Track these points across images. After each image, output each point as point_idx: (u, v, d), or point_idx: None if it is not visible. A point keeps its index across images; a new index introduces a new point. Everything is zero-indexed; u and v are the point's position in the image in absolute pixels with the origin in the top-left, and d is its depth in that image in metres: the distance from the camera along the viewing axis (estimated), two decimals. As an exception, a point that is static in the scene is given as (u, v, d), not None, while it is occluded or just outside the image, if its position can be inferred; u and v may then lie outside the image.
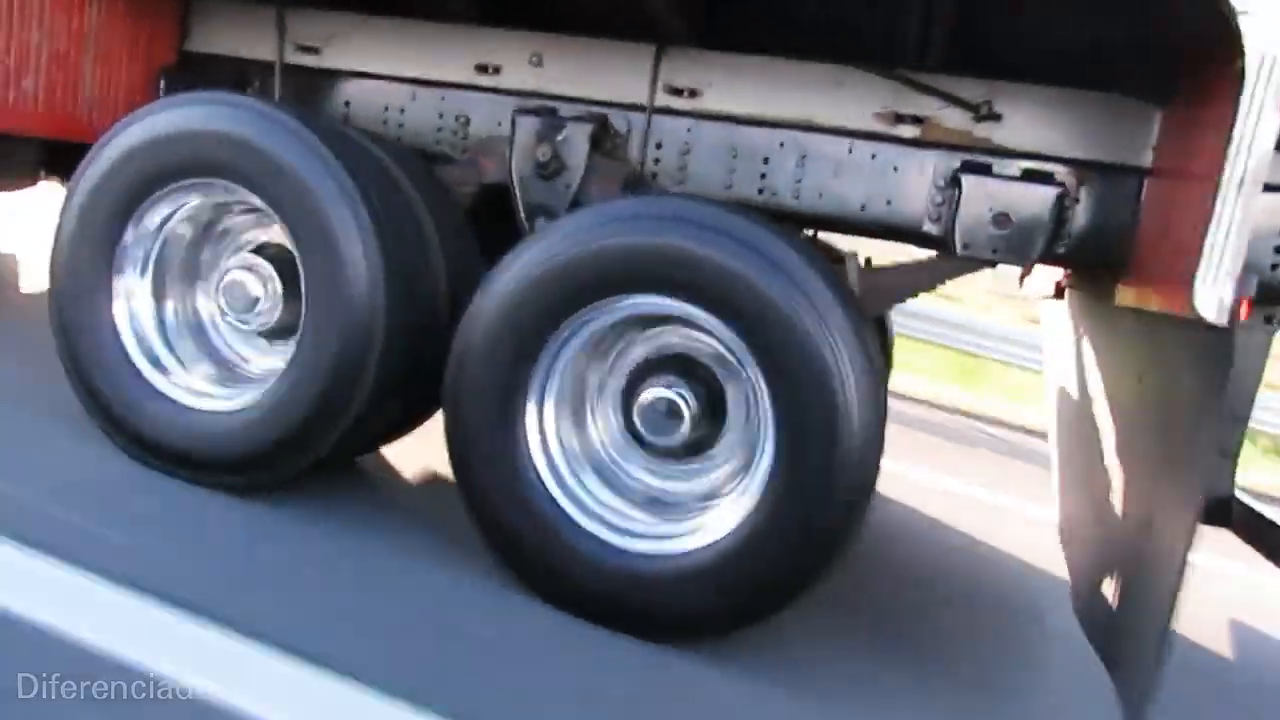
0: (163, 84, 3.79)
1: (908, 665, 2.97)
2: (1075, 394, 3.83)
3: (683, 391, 2.72)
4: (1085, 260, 3.05)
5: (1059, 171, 3.00)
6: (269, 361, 3.23)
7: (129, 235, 2.99)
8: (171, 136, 2.85)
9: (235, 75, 3.81)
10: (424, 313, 2.93)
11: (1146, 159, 2.98)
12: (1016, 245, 2.96)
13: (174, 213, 3.03)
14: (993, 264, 3.06)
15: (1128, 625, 2.18)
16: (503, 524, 2.65)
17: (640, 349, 2.91)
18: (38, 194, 4.50)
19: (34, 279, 5.47)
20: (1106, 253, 3.04)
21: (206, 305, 3.22)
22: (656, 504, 2.78)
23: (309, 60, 3.80)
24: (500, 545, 2.68)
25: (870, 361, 2.39)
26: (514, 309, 2.61)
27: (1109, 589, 2.36)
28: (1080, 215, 3.01)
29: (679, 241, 2.47)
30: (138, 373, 2.96)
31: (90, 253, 2.97)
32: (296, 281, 3.07)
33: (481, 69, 3.60)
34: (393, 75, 3.70)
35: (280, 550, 2.70)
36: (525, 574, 2.67)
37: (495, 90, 3.58)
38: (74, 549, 2.36)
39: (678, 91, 3.40)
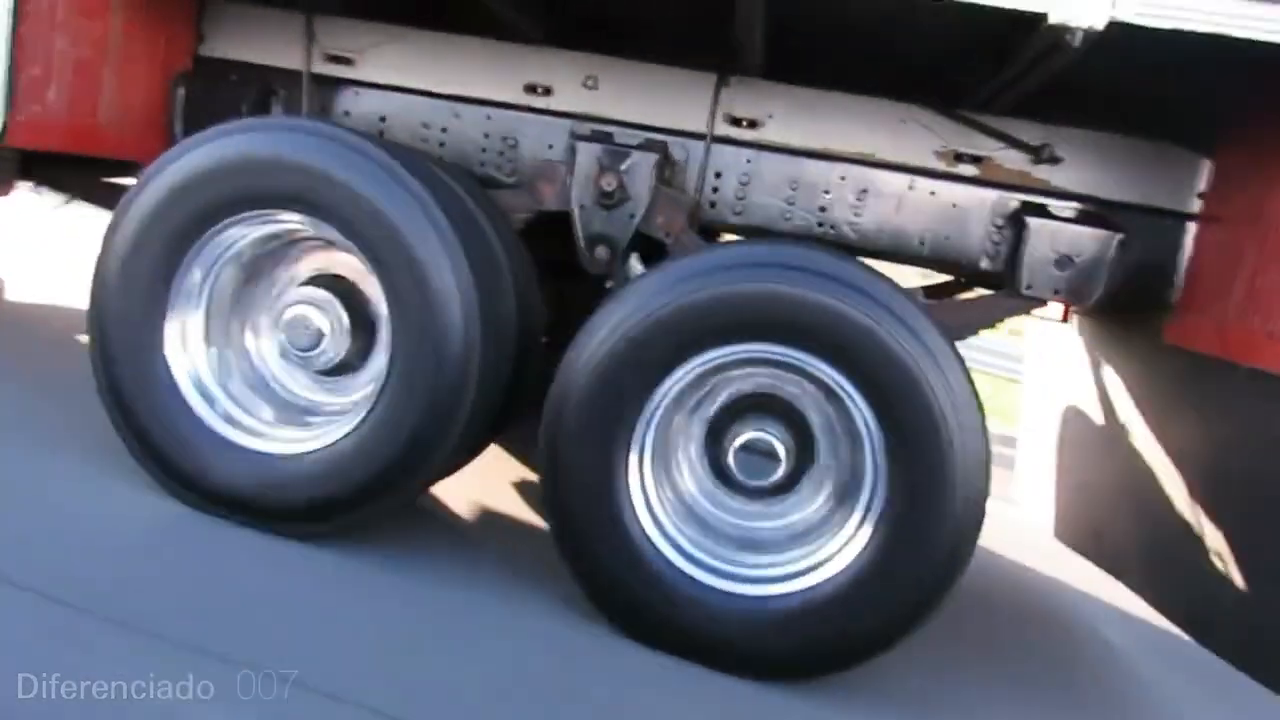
0: (181, 93, 3.54)
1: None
2: (1093, 413, 4.04)
3: (775, 432, 2.75)
4: (1129, 300, 3.21)
5: (1115, 215, 3.14)
6: (326, 399, 3.08)
7: (186, 271, 2.80)
8: (243, 165, 2.68)
9: (258, 84, 3.60)
10: (506, 344, 2.86)
11: (1192, 205, 3.15)
12: (1077, 286, 3.09)
13: (232, 246, 2.85)
14: (1049, 303, 3.19)
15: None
16: (605, 570, 2.62)
17: (725, 392, 2.90)
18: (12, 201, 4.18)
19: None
20: (1150, 294, 3.21)
21: (258, 343, 3.05)
22: (750, 545, 2.80)
23: (340, 71, 3.62)
24: (602, 591, 2.65)
25: (980, 409, 2.47)
26: (624, 355, 2.57)
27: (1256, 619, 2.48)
28: (1129, 257, 3.16)
29: (797, 290, 2.48)
30: (199, 419, 2.79)
31: (142, 289, 2.77)
32: (363, 315, 2.97)
33: (531, 89, 3.51)
34: (434, 91, 3.57)
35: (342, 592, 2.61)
36: (628, 619, 2.65)
37: (546, 112, 3.50)
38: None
39: (737, 121, 3.40)
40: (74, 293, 5.32)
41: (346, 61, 3.61)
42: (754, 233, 3.49)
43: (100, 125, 3.24)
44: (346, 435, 2.71)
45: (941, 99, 3.23)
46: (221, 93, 3.54)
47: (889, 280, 2.56)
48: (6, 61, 2.79)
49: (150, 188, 2.74)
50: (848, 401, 2.59)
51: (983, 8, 2.29)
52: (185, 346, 2.86)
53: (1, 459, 2.95)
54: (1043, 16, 2.23)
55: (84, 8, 3.08)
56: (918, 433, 2.44)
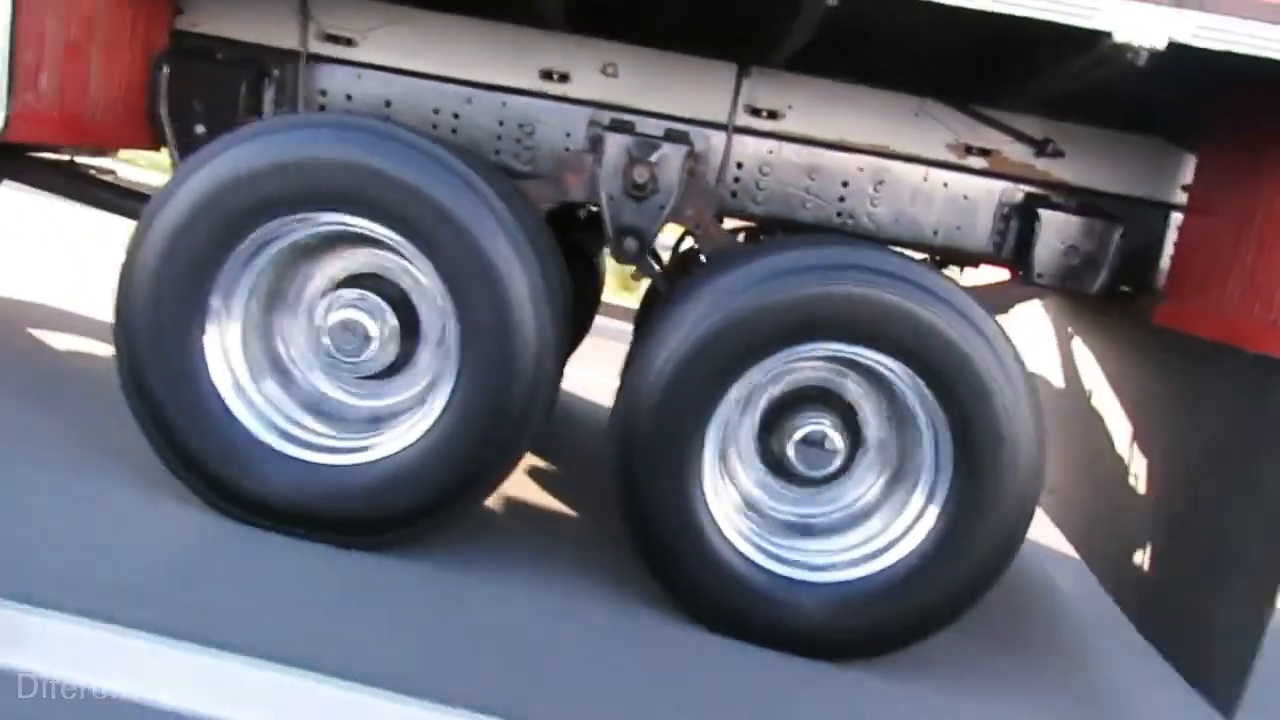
0: (165, 73, 3.26)
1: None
2: (1056, 381, 4.35)
3: (829, 423, 2.86)
4: (1118, 285, 3.47)
5: (1115, 206, 3.38)
6: (366, 403, 2.99)
7: (225, 276, 2.64)
8: (296, 164, 2.53)
9: (249, 64, 3.36)
10: (564, 343, 2.85)
11: (1176, 196, 3.42)
12: (1083, 274, 3.32)
13: (272, 248, 2.71)
14: (1058, 291, 3.42)
15: (1212, 637, 2.58)
16: (685, 570, 2.70)
17: (774, 388, 2.99)
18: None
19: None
20: (1137, 279, 3.48)
21: (294, 348, 2.92)
22: (808, 531, 2.93)
23: (340, 52, 3.43)
24: (683, 592, 2.73)
25: (1037, 401, 2.66)
26: (701, 357, 2.61)
27: (1180, 603, 2.76)
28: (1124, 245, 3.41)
29: (861, 290, 2.58)
30: (247, 431, 2.66)
31: (179, 293, 2.60)
32: (408, 317, 2.88)
33: (547, 75, 3.43)
34: (444, 76, 3.43)
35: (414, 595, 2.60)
36: (704, 617, 2.74)
37: (563, 99, 3.44)
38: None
39: (757, 112, 3.44)
40: (58, 291, 5.03)
41: (347, 42, 3.43)
42: (773, 222, 3.57)
43: (88, 113, 2.97)
44: (414, 443, 2.66)
45: (958, 95, 3.37)
46: (210, 74, 3.29)
47: (950, 278, 2.69)
48: (8, 47, 2.51)
49: (187, 189, 2.56)
50: (906, 392, 2.73)
51: (1048, 24, 2.41)
52: (226, 357, 2.71)
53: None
54: (1107, 35, 2.37)
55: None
56: (981, 421, 2.61)
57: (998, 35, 2.55)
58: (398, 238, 2.62)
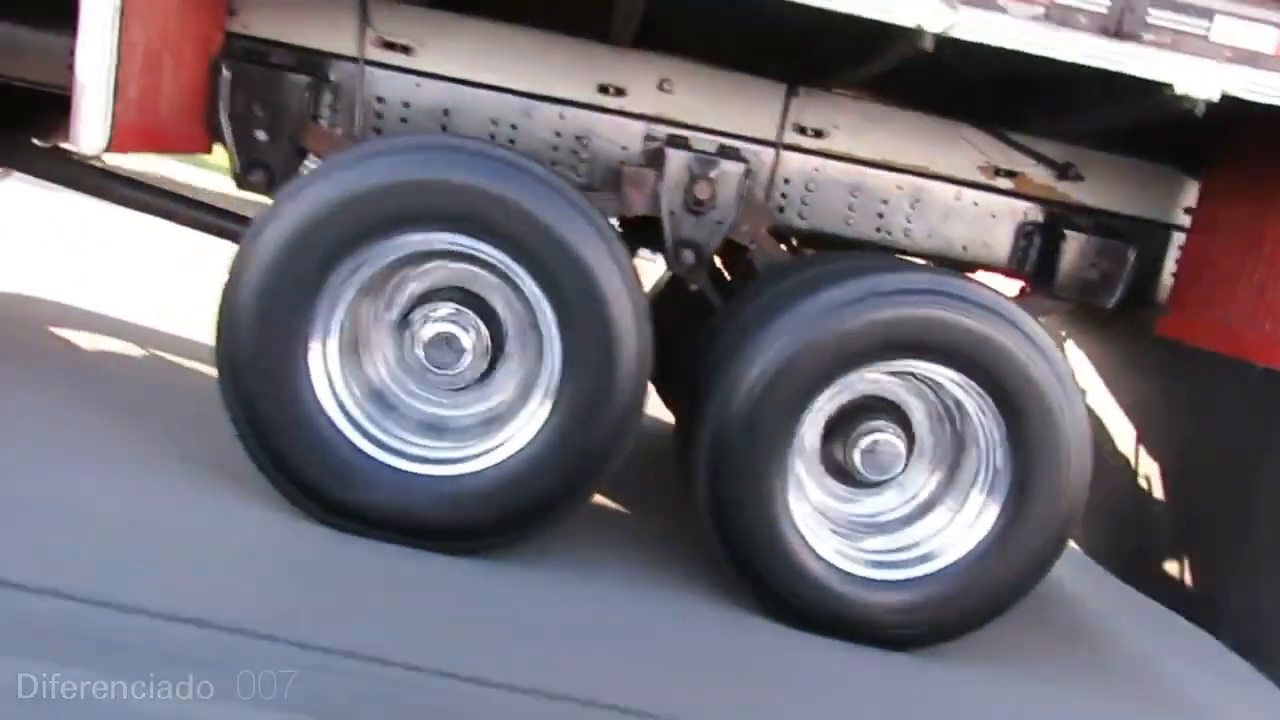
0: (227, 77, 3.21)
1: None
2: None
3: (893, 430, 3.08)
4: (1131, 300, 3.79)
5: (1127, 227, 3.68)
6: (454, 413, 3.06)
7: (329, 294, 2.68)
8: (412, 186, 2.59)
9: (309, 68, 3.34)
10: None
11: (1179, 217, 3.75)
12: (1100, 290, 3.62)
13: (373, 266, 2.75)
14: (1076, 304, 3.70)
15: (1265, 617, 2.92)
16: (771, 581, 2.89)
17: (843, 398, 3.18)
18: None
19: None
20: (1140, 293, 3.80)
21: (382, 361, 2.97)
22: (876, 529, 3.16)
23: (398, 59, 3.44)
24: (769, 599, 2.92)
25: (1083, 399, 2.93)
26: (786, 380, 2.78)
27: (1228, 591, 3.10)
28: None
29: (943, 313, 2.79)
30: (351, 443, 2.71)
31: (285, 312, 2.63)
32: (496, 329, 2.96)
33: (604, 89, 3.52)
34: (504, 86, 3.48)
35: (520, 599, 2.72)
36: (801, 623, 2.94)
37: (620, 113, 3.53)
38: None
39: (804, 131, 3.60)
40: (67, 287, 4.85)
41: (405, 50, 3.43)
42: (817, 238, 3.75)
43: (162, 121, 2.93)
44: (517, 453, 2.75)
45: (992, 121, 3.60)
46: (272, 79, 3.26)
47: (1017, 302, 2.92)
48: (114, 62, 2.47)
49: (295, 209, 2.58)
50: (968, 403, 2.96)
51: (1116, 74, 2.64)
52: (327, 372, 2.75)
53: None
54: (1169, 86, 2.62)
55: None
56: (1039, 434, 2.86)
57: (1068, 77, 2.76)
58: (504, 257, 2.69)
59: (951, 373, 2.90)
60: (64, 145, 4.03)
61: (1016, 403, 2.84)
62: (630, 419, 2.78)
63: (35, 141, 3.86)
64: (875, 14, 2.54)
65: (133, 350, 4.43)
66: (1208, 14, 2.58)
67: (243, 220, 3.95)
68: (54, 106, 3.97)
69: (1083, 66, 2.62)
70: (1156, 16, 2.57)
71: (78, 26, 2.47)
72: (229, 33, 3.35)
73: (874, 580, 2.97)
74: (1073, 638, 3.51)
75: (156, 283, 5.73)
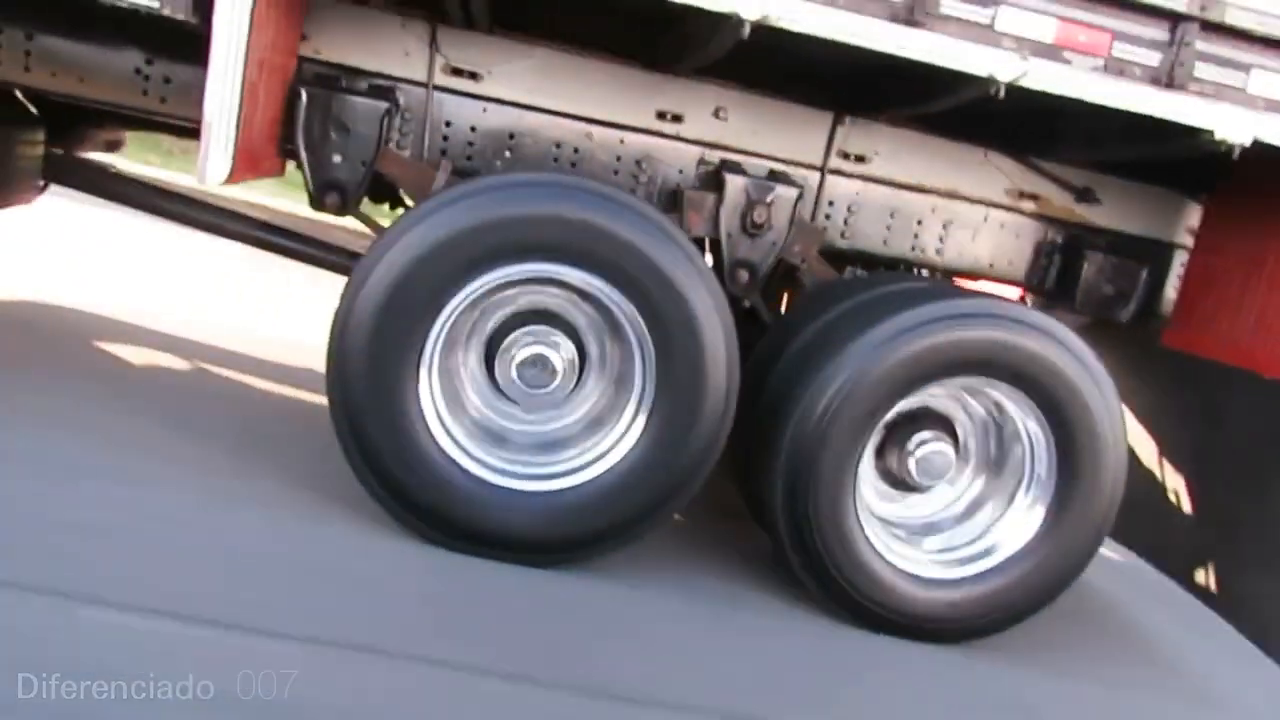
0: (304, 101, 3.27)
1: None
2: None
3: (943, 439, 3.32)
4: (1143, 315, 4.10)
5: (1137, 247, 3.99)
6: (530, 428, 3.21)
7: (440, 320, 2.81)
8: (526, 219, 2.74)
9: (383, 94, 3.41)
10: None
11: (1184, 238, 4.07)
12: (1116, 305, 3.92)
13: (477, 292, 2.88)
14: (1093, 318, 4.00)
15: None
16: (843, 577, 3.11)
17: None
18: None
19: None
20: (1147, 307, 4.11)
21: (476, 384, 3.11)
22: (931, 531, 3.41)
23: (466, 85, 3.54)
24: (843, 597, 3.15)
25: (1121, 410, 3.21)
26: (854, 403, 3.00)
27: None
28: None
29: (1010, 336, 3.04)
30: (458, 466, 2.86)
31: (396, 343, 2.75)
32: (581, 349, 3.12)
33: (662, 115, 3.67)
34: (566, 112, 3.61)
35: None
36: (877, 626, 3.18)
37: (677, 138, 3.70)
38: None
39: (847, 156, 3.82)
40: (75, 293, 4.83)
41: (473, 76, 3.54)
42: (857, 257, 3.97)
43: (256, 148, 2.99)
44: (610, 469, 2.93)
45: (1018, 147, 3.87)
46: (348, 104, 3.33)
47: (1062, 323, 3.18)
48: (239, 94, 2.54)
49: (406, 244, 2.71)
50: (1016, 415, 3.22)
51: (1160, 120, 2.90)
52: (433, 399, 2.88)
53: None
54: (1209, 132, 2.90)
55: (272, 12, 2.80)
56: (1084, 442, 3.13)
57: (1109, 116, 3.01)
58: (602, 284, 2.85)
59: (1006, 386, 3.15)
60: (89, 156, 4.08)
61: (1065, 413, 3.11)
62: (719, 435, 2.96)
63: (79, 155, 3.85)
64: (954, 64, 2.75)
65: (188, 363, 4.46)
66: (1245, 68, 2.86)
67: (273, 229, 4.06)
68: (77, 120, 4.02)
69: (1134, 113, 2.88)
70: (1202, 70, 2.84)
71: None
72: (301, 57, 3.41)
73: (935, 579, 3.21)
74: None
75: (209, 296, 5.73)
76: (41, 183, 3.72)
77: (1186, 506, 3.89)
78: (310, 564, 2.72)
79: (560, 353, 3.00)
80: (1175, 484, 4.20)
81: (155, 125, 4.10)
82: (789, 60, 3.37)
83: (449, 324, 2.89)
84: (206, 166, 2.53)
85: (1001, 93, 2.80)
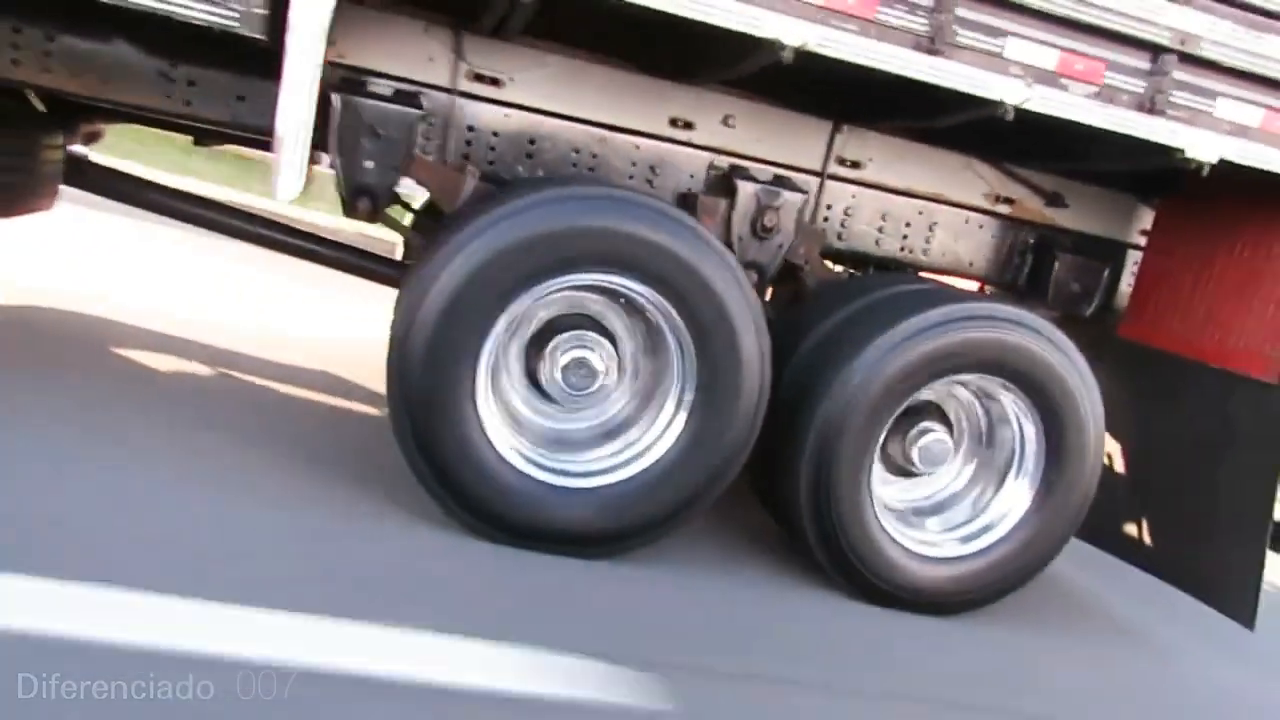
0: (336, 106, 3.31)
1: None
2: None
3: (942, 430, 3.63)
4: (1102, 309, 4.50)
5: (1098, 247, 4.37)
6: (572, 426, 3.37)
7: (493, 333, 2.96)
8: (581, 231, 2.89)
9: (412, 99, 3.48)
10: None
11: (1136, 237, 4.48)
12: (1080, 301, 4.30)
13: (532, 302, 3.03)
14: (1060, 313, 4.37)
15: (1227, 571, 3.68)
16: (865, 569, 3.41)
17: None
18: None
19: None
20: (1105, 302, 4.51)
21: (516, 389, 3.25)
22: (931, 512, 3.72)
23: (489, 91, 3.64)
24: (864, 586, 3.44)
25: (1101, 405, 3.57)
26: (881, 394, 3.27)
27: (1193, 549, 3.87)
28: (1100, 275, 4.42)
29: (1009, 337, 3.36)
30: (515, 469, 3.04)
31: (455, 355, 2.89)
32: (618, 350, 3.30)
33: (674, 123, 3.85)
34: (584, 118, 3.75)
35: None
36: (887, 602, 3.48)
37: (688, 145, 3.88)
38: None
39: (843, 162, 4.07)
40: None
41: (494, 82, 3.64)
42: (850, 257, 4.24)
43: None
44: (652, 466, 3.13)
45: (995, 154, 4.19)
46: (380, 109, 3.38)
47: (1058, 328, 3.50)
48: (311, 113, 2.60)
49: (465, 257, 2.84)
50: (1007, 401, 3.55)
51: (1135, 140, 3.23)
52: (490, 406, 3.02)
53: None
54: (1180, 151, 3.24)
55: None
56: (1072, 430, 3.48)
57: (1091, 134, 3.33)
58: (646, 290, 3.03)
59: (1002, 380, 3.47)
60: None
61: (1054, 403, 3.45)
62: (754, 429, 3.19)
63: (95, 159, 3.80)
64: (971, 89, 3.01)
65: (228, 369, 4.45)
66: (1214, 96, 3.21)
67: (299, 234, 4.09)
68: (70, 115, 3.94)
69: (1119, 133, 3.21)
70: (1178, 97, 3.18)
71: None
72: (327, 61, 3.44)
73: (936, 558, 3.53)
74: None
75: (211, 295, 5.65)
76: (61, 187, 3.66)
77: (1130, 480, 4.30)
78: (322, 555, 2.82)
79: (601, 354, 3.17)
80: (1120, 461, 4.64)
81: (155, 123, 4.06)
82: (793, 73, 3.60)
83: (506, 329, 3.03)
84: (279, 183, 2.59)
85: (1010, 115, 3.08)
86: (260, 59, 3.08)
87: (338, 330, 5.66)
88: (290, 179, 2.61)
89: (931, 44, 2.97)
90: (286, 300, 5.84)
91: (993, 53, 3.05)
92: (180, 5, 2.49)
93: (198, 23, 2.56)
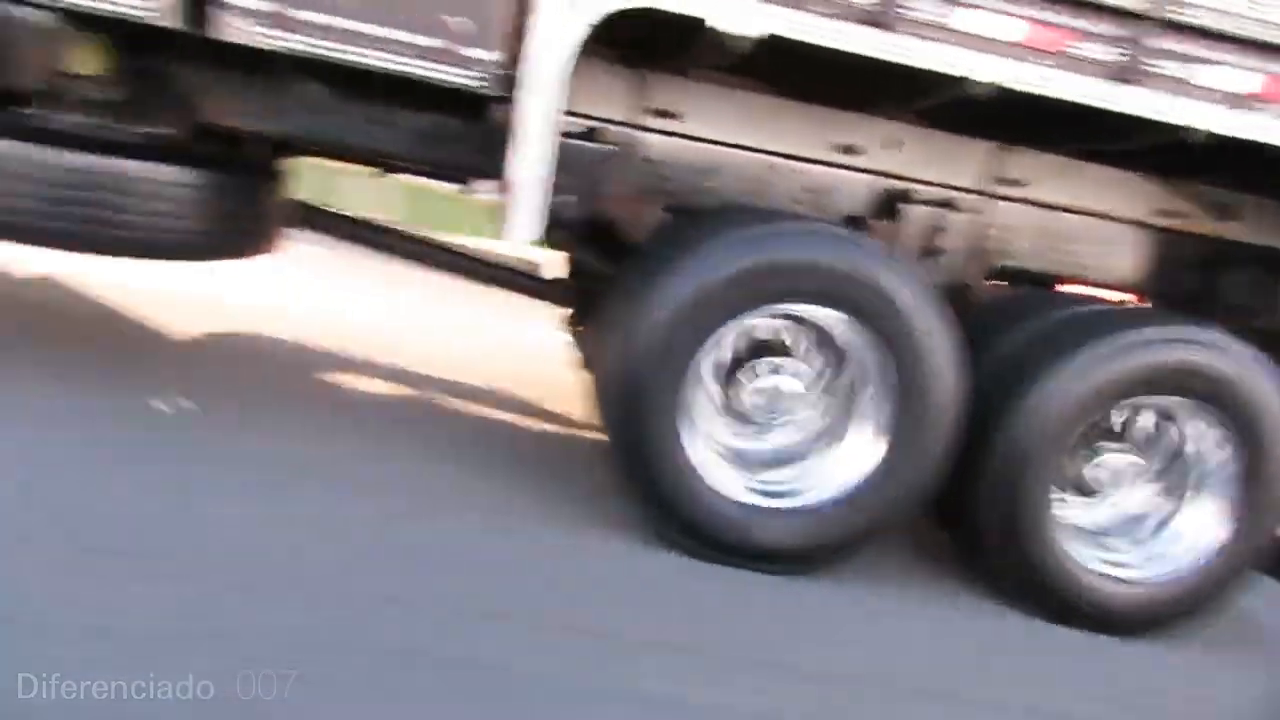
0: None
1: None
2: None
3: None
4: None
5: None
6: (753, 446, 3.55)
7: (695, 360, 3.18)
8: (788, 264, 3.13)
9: (588, 134, 3.70)
10: None
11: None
12: (1253, 315, 4.22)
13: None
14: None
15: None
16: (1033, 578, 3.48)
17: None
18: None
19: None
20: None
21: (705, 413, 3.44)
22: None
23: (667, 125, 3.84)
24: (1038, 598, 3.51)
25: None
26: (1060, 422, 3.34)
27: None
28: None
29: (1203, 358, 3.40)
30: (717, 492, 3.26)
31: (664, 383, 3.11)
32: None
33: (839, 148, 3.97)
34: (754, 147, 3.91)
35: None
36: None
37: (853, 169, 4.00)
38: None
39: (1006, 181, 4.12)
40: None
41: (673, 116, 3.84)
42: (1014, 274, 4.29)
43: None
44: (854, 484, 3.29)
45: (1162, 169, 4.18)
46: (572, 147, 3.59)
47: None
48: (550, 159, 2.82)
49: (677, 288, 3.05)
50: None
51: None
52: (694, 432, 3.23)
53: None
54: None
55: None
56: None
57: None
58: (844, 318, 3.21)
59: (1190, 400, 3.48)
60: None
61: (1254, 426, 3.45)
62: (946, 456, 3.30)
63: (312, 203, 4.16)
64: (1164, 118, 3.07)
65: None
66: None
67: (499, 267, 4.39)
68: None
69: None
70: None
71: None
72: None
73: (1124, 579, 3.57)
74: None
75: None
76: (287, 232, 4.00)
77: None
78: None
79: (797, 379, 3.34)
80: None
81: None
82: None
83: (713, 355, 3.24)
84: (515, 227, 2.84)
85: (1201, 138, 3.12)
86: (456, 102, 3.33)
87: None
88: (527, 224, 2.85)
89: (1122, 73, 3.03)
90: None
91: (1181, 78, 3.09)
92: (437, 70, 2.74)
93: (450, 86, 2.81)
